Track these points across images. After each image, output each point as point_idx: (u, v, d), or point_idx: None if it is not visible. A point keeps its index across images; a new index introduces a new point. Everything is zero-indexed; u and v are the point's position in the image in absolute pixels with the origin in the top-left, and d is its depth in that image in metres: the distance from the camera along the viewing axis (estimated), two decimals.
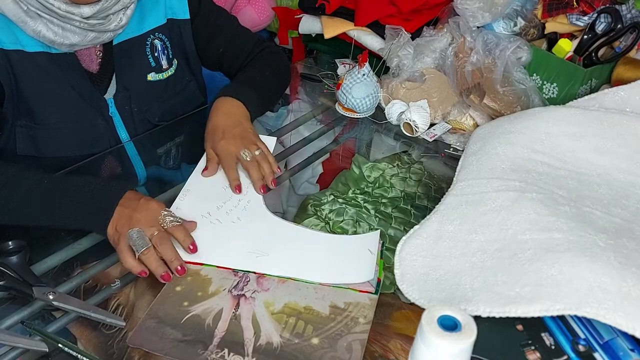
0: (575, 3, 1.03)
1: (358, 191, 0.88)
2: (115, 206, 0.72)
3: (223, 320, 0.65)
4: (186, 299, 0.68)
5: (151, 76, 0.98)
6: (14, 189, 0.73)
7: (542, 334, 0.59)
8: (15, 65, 0.83)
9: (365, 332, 0.64)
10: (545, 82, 1.03)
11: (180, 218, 0.75)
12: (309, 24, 1.26)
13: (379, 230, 0.78)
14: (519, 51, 1.01)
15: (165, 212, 0.73)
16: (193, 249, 0.73)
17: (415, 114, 1.01)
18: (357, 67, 1.05)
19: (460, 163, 0.87)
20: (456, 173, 0.84)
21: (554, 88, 1.02)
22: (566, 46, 1.01)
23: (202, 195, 0.84)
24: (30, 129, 0.88)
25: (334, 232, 0.80)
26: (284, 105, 1.17)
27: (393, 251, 0.74)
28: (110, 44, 0.92)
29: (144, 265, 0.69)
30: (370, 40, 1.17)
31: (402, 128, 1.05)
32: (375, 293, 0.69)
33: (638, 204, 0.73)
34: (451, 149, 1.00)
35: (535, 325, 0.60)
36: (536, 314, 0.57)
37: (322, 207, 0.83)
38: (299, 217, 0.82)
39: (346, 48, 1.23)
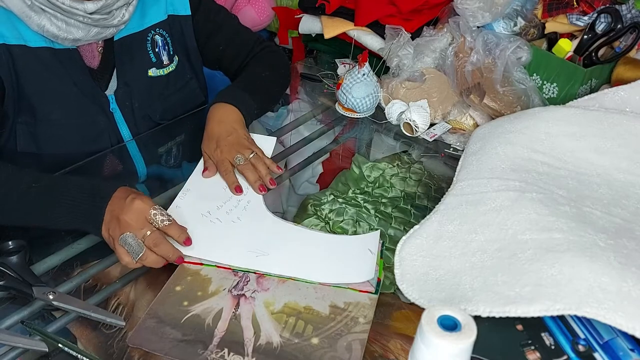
0: (575, 3, 1.03)
1: (358, 191, 0.88)
2: (105, 208, 0.71)
3: (223, 320, 0.65)
4: (186, 299, 0.68)
5: (152, 72, 0.98)
6: (10, 190, 0.72)
7: (542, 334, 0.59)
8: (17, 60, 0.83)
9: (365, 332, 0.64)
10: (545, 82, 1.03)
11: (171, 217, 0.73)
12: (309, 24, 1.26)
13: (379, 231, 0.78)
14: (519, 51, 1.01)
15: (155, 211, 0.71)
16: (188, 242, 0.73)
17: (415, 113, 1.01)
18: (357, 67, 1.05)
19: (460, 163, 0.87)
20: (456, 173, 0.84)
21: (554, 88, 1.02)
22: (566, 46, 1.01)
23: (202, 195, 0.84)
24: (31, 126, 0.88)
25: (334, 232, 0.80)
26: (284, 105, 1.18)
27: (393, 251, 0.74)
28: (111, 39, 0.92)
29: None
30: (370, 40, 1.17)
31: (402, 128, 1.05)
32: (375, 293, 0.69)
33: (638, 204, 0.73)
34: (451, 149, 1.00)
35: (535, 325, 0.60)
36: (536, 314, 0.56)
37: (322, 207, 0.83)
38: (299, 217, 0.82)
39: (346, 48, 1.23)
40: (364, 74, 1.04)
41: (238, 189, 0.85)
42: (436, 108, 1.05)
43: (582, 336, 0.59)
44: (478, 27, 1.06)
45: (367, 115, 1.10)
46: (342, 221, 0.81)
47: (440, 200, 0.80)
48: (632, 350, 0.57)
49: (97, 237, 0.74)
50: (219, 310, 0.66)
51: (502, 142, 0.85)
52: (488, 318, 0.59)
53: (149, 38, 0.97)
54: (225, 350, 0.61)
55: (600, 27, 1.00)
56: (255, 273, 0.72)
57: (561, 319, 0.61)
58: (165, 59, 1.00)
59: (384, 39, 1.13)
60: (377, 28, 1.16)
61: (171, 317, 0.65)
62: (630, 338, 0.58)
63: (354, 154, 0.97)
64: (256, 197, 0.85)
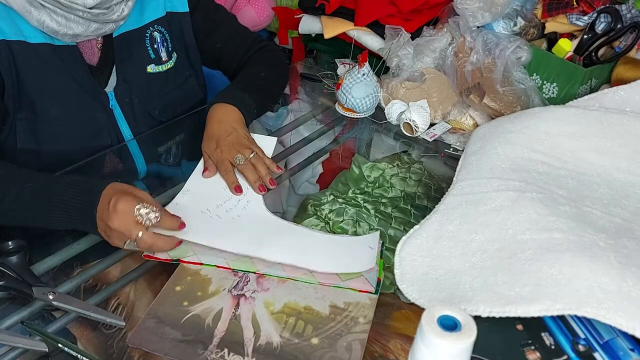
0: (575, 3, 1.03)
1: (358, 191, 0.88)
2: (96, 210, 0.70)
3: (223, 320, 0.65)
4: (186, 299, 0.68)
5: (151, 68, 0.98)
6: (6, 190, 0.72)
7: (542, 334, 0.59)
8: (17, 56, 0.83)
9: (365, 332, 0.64)
10: (545, 82, 1.03)
11: (159, 207, 0.71)
12: (308, 24, 1.26)
13: (378, 231, 0.78)
14: (519, 51, 1.01)
15: (139, 209, 0.68)
16: (182, 226, 0.73)
17: (415, 113, 1.01)
18: (357, 67, 1.05)
19: (460, 163, 0.87)
20: (456, 173, 0.84)
21: (554, 88, 1.02)
22: (566, 46, 1.01)
23: (201, 195, 0.84)
24: (30, 122, 0.88)
25: (334, 232, 0.79)
26: (284, 105, 1.18)
27: (393, 251, 0.74)
28: (110, 36, 0.93)
29: None
30: (370, 40, 1.17)
31: (402, 128, 1.05)
32: (375, 293, 0.69)
33: (638, 203, 0.73)
34: (451, 149, 1.00)
35: (535, 325, 0.60)
36: (536, 314, 0.56)
37: (322, 207, 0.83)
38: (299, 217, 0.82)
39: (346, 48, 1.23)
40: (363, 74, 1.04)
41: (238, 189, 0.85)
42: (436, 108, 1.05)
43: (582, 336, 0.59)
44: (478, 27, 1.06)
45: (367, 115, 1.10)
46: (342, 221, 0.81)
47: (440, 200, 0.80)
48: (632, 350, 0.57)
49: (97, 236, 0.74)
50: (218, 310, 0.66)
51: (502, 142, 0.85)
52: (488, 318, 0.59)
53: (147, 34, 0.97)
54: (225, 350, 0.61)
55: (600, 27, 1.00)
56: (255, 273, 0.72)
57: (561, 319, 0.61)
58: (164, 55, 1.00)
59: (383, 39, 1.13)
60: (377, 28, 1.16)
61: (171, 317, 0.65)
62: (630, 338, 0.58)
63: (353, 154, 0.97)
64: (256, 197, 0.85)
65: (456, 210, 0.76)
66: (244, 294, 0.69)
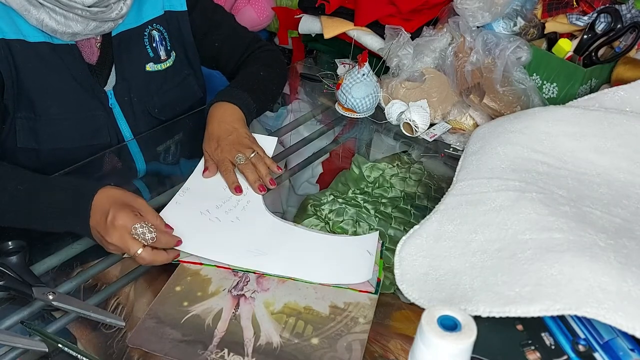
0: (575, 3, 1.03)
1: (358, 191, 0.88)
2: (88, 213, 0.69)
3: (223, 321, 0.65)
4: (186, 299, 0.68)
5: (150, 66, 0.99)
6: (3, 190, 0.72)
7: (542, 334, 0.59)
8: (16, 55, 0.84)
9: (365, 332, 0.64)
10: (545, 82, 1.03)
11: (156, 223, 0.71)
12: (308, 24, 1.27)
13: (377, 231, 0.78)
14: (519, 51, 1.01)
15: (137, 229, 0.67)
16: (179, 243, 0.72)
17: (415, 114, 1.01)
18: (356, 67, 1.05)
19: (460, 163, 0.87)
20: (456, 173, 0.84)
21: (553, 88, 1.02)
22: (566, 46, 1.01)
23: (201, 194, 0.84)
24: (30, 121, 0.88)
25: (334, 232, 0.79)
26: (283, 105, 1.18)
27: (393, 251, 0.74)
28: (109, 35, 0.93)
29: None
30: (370, 40, 1.17)
31: (402, 128, 1.05)
32: (375, 293, 0.69)
33: (638, 203, 0.73)
34: (451, 149, 1.00)
35: (535, 325, 0.60)
36: (536, 314, 0.56)
37: (322, 207, 0.83)
38: (298, 217, 0.82)
39: (346, 48, 1.23)
40: (363, 74, 1.04)
41: (238, 189, 0.85)
42: (436, 108, 1.05)
43: (582, 336, 0.59)
44: (478, 27, 1.06)
45: (367, 116, 1.10)
46: (342, 221, 0.81)
47: (440, 200, 0.80)
48: (632, 350, 0.57)
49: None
50: (218, 310, 0.66)
51: (502, 142, 0.85)
52: (488, 318, 0.59)
53: (146, 33, 0.98)
54: (225, 350, 0.61)
55: (600, 27, 1.00)
56: (255, 273, 0.72)
57: (561, 319, 0.61)
58: (162, 54, 1.00)
59: (383, 39, 1.13)
60: (377, 28, 1.16)
61: (171, 318, 0.65)
62: (630, 338, 0.58)
63: (353, 154, 0.97)
64: (256, 197, 0.85)
65: (456, 210, 0.76)
66: (244, 294, 0.69)
